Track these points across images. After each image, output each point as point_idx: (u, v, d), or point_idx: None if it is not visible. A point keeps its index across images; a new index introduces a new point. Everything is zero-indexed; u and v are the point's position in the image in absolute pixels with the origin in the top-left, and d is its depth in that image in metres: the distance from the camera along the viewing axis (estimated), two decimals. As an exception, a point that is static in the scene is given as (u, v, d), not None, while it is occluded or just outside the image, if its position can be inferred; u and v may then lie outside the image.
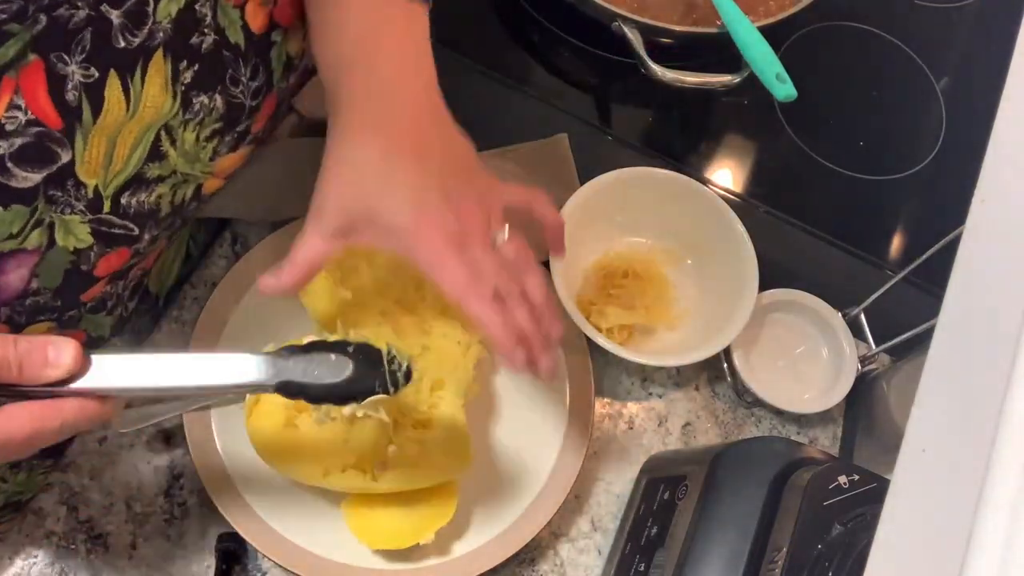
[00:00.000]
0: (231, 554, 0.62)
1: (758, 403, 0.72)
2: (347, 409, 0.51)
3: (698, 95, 0.87)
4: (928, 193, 0.86)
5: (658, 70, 0.76)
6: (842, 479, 0.50)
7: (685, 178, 0.74)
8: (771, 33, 0.75)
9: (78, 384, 0.42)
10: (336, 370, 0.47)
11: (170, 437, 0.66)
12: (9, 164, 0.44)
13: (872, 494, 0.50)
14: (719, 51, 0.79)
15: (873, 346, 0.73)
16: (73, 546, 0.62)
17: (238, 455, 0.63)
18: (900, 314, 0.69)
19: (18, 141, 0.43)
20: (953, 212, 0.47)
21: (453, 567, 0.62)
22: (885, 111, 0.91)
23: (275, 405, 0.60)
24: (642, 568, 0.57)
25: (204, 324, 0.66)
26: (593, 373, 0.69)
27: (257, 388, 0.46)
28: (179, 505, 0.64)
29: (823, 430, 0.73)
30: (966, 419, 0.35)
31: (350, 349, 0.47)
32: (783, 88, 0.70)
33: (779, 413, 0.73)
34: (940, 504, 0.34)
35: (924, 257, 0.66)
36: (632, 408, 0.72)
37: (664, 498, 0.59)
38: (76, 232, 0.50)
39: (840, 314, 0.73)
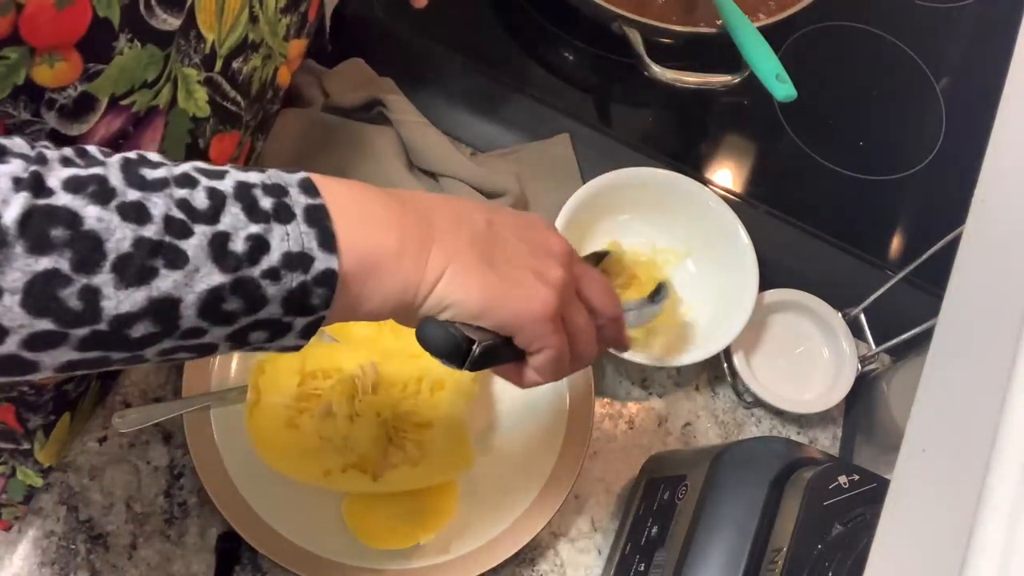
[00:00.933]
0: (231, 554, 0.62)
1: (758, 403, 0.72)
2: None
3: (698, 95, 0.86)
4: (928, 193, 0.86)
5: (658, 70, 0.75)
6: (842, 479, 0.50)
7: (685, 178, 0.74)
8: (771, 33, 0.75)
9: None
10: None
11: (170, 437, 0.66)
12: (153, 2, 0.46)
13: (872, 494, 0.50)
14: (719, 51, 0.79)
15: (873, 346, 0.73)
16: (73, 546, 0.62)
17: (238, 455, 0.63)
18: (900, 314, 0.69)
19: None
20: (953, 212, 0.47)
21: (453, 567, 0.62)
22: (885, 111, 0.91)
23: (275, 406, 0.60)
24: (642, 568, 0.57)
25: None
26: (593, 373, 0.69)
27: None
28: (179, 505, 0.64)
29: (823, 430, 0.73)
30: (966, 419, 0.35)
31: None
32: (783, 88, 0.70)
33: (779, 413, 0.73)
34: (940, 504, 0.34)
35: (924, 257, 0.66)
36: (632, 408, 0.72)
37: (664, 498, 0.59)
38: (196, 95, 0.52)
39: (840, 314, 0.73)
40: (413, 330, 0.69)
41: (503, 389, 0.69)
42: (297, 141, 0.71)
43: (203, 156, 0.56)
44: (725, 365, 0.73)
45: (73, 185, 0.33)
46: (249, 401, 0.60)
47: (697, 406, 0.73)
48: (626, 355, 0.67)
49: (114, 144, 0.48)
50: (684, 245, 0.75)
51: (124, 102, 0.47)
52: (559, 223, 0.70)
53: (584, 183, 0.73)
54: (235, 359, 0.67)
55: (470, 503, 0.65)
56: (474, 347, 0.42)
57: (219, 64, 0.54)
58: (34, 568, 0.61)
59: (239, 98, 0.57)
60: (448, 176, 0.72)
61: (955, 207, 0.45)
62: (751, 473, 0.53)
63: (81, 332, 0.33)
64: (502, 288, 0.42)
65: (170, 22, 0.48)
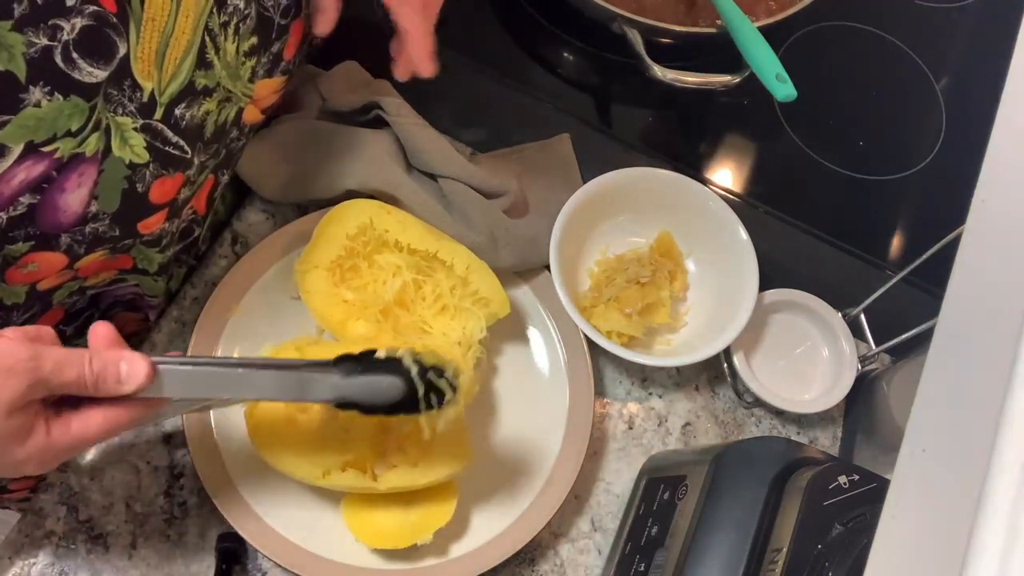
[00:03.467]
0: (231, 554, 0.62)
1: (758, 403, 0.72)
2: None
3: (698, 95, 0.87)
4: (928, 193, 0.86)
5: (658, 70, 0.76)
6: (842, 479, 0.50)
7: (685, 178, 0.74)
8: (771, 33, 0.75)
9: (143, 394, 0.46)
10: (389, 391, 0.51)
11: (170, 437, 0.66)
12: (74, 55, 0.46)
13: (872, 494, 0.50)
14: (719, 51, 0.79)
15: (873, 346, 0.73)
16: (73, 546, 0.62)
17: (238, 455, 0.63)
18: (900, 314, 0.69)
19: (78, 23, 0.45)
20: (953, 212, 0.47)
21: (454, 567, 0.62)
22: (885, 111, 0.91)
23: (276, 405, 0.60)
24: (642, 568, 0.57)
25: (204, 324, 0.66)
26: (593, 373, 0.69)
27: (314, 400, 0.53)
28: (179, 505, 0.64)
29: (823, 430, 0.73)
30: (966, 419, 0.35)
31: (403, 367, 0.52)
32: (783, 88, 0.70)
33: (779, 413, 0.73)
34: (940, 504, 0.34)
35: (924, 257, 0.66)
36: (632, 408, 0.72)
37: (664, 498, 0.59)
38: (132, 143, 0.52)
39: (840, 314, 0.73)
40: (412, 330, 0.69)
41: (503, 389, 0.70)
42: (293, 148, 0.71)
43: (143, 199, 0.55)
44: (725, 365, 0.73)
45: None
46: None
47: (697, 406, 0.73)
48: (626, 355, 0.67)
49: (37, 188, 0.48)
50: (684, 245, 0.75)
51: (45, 149, 0.47)
52: (559, 224, 0.70)
53: (584, 183, 0.73)
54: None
55: (470, 503, 0.65)
56: None
57: (160, 112, 0.53)
58: (34, 568, 0.61)
59: (183, 143, 0.56)
60: (447, 177, 0.72)
61: (955, 207, 0.45)
62: (751, 473, 0.53)
63: None
64: None
65: (96, 74, 0.47)
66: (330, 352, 0.62)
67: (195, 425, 0.63)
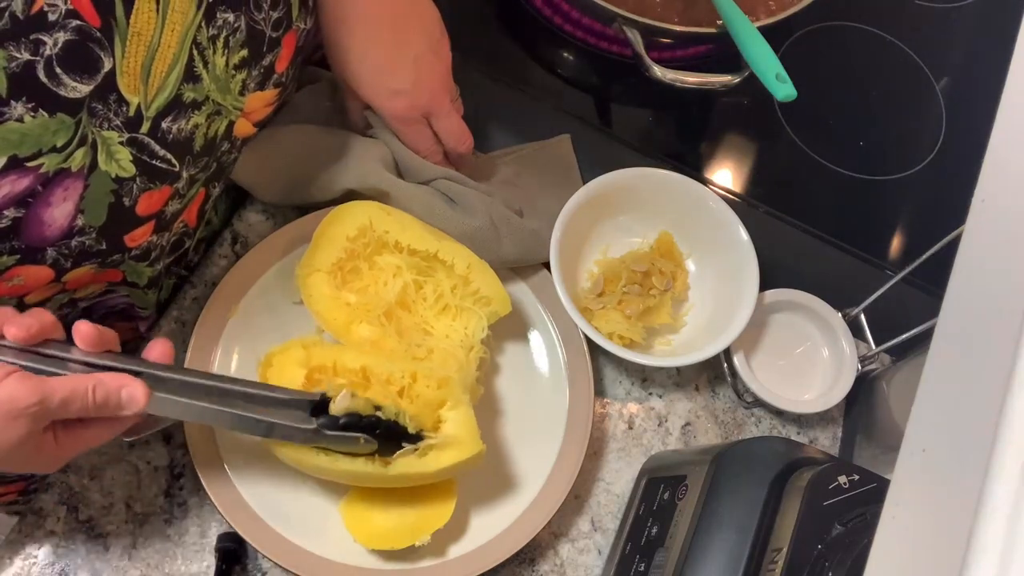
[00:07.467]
0: (231, 554, 0.62)
1: (758, 403, 0.72)
2: None
3: (698, 95, 0.87)
4: (928, 193, 0.86)
5: (658, 70, 0.76)
6: (842, 479, 0.50)
7: (685, 178, 0.74)
8: (771, 33, 0.75)
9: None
10: (361, 448, 0.58)
11: (170, 437, 0.66)
12: (57, 69, 0.45)
13: (872, 494, 0.50)
14: (719, 51, 0.79)
15: (873, 346, 0.73)
16: (73, 546, 0.62)
17: (238, 455, 0.63)
18: (900, 314, 0.69)
19: (61, 37, 0.45)
20: (953, 212, 0.47)
21: (454, 567, 0.62)
22: (885, 111, 0.91)
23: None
24: (642, 568, 0.57)
25: (204, 324, 0.66)
26: (593, 373, 0.69)
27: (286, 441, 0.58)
28: (179, 505, 0.64)
29: (823, 430, 0.73)
30: (966, 419, 0.35)
31: (375, 429, 0.58)
32: (783, 88, 0.70)
33: (779, 413, 0.73)
34: (940, 504, 0.34)
35: (924, 257, 0.66)
36: (632, 408, 0.72)
37: (664, 498, 0.59)
38: (118, 157, 0.52)
39: (840, 314, 0.73)
40: (415, 332, 0.69)
41: (503, 389, 0.70)
42: (289, 152, 0.70)
43: (130, 212, 0.55)
44: (725, 365, 0.73)
45: None
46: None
47: (697, 406, 0.73)
48: (626, 355, 0.67)
49: (22, 202, 0.48)
50: (684, 245, 0.75)
51: (30, 164, 0.47)
52: (559, 223, 0.70)
53: (584, 183, 0.73)
54: (235, 359, 0.67)
55: (469, 504, 0.65)
56: None
57: (146, 125, 0.52)
58: (34, 568, 0.61)
59: (170, 156, 0.55)
60: (438, 178, 0.71)
61: (955, 207, 0.45)
62: (751, 473, 0.53)
63: None
64: None
65: (80, 88, 0.47)
66: (333, 354, 0.62)
67: (195, 425, 0.63)
